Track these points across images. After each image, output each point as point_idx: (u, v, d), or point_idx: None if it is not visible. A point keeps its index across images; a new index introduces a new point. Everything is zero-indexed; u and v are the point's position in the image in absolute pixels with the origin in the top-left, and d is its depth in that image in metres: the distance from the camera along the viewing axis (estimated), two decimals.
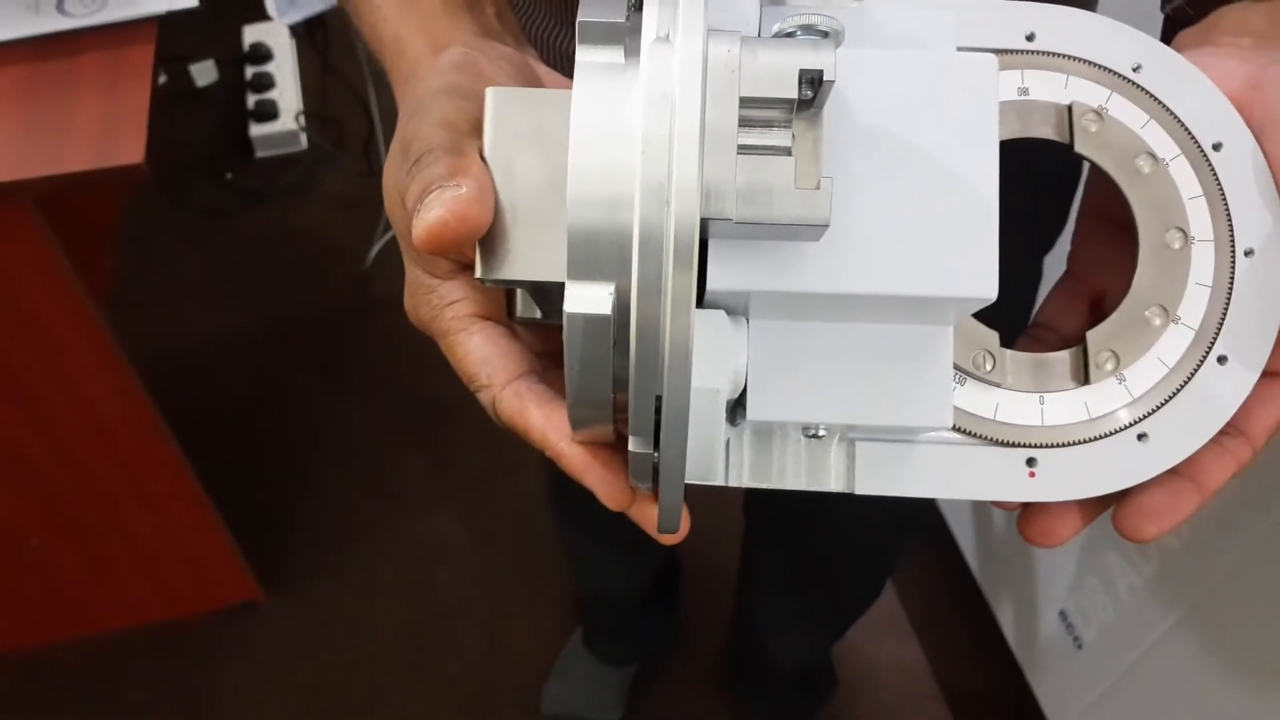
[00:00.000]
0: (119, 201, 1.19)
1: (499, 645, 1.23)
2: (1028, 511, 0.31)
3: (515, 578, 1.28)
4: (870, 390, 0.28)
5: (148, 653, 1.21)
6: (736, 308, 0.28)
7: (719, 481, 0.30)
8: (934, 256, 0.26)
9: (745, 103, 0.23)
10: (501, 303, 0.30)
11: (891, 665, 1.23)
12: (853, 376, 0.28)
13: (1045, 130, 0.31)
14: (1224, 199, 0.30)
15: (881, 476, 0.30)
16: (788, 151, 0.24)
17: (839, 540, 0.77)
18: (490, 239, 0.27)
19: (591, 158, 0.23)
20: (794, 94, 0.23)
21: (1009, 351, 0.31)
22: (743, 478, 0.30)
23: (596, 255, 0.23)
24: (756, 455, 0.30)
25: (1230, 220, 0.30)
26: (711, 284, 0.26)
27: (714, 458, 0.29)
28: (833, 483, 0.30)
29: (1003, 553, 1.14)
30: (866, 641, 1.24)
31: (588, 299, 0.23)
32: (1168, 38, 0.33)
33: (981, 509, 1.19)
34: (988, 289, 0.26)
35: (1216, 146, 0.30)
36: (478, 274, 0.27)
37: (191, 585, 1.21)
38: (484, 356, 0.29)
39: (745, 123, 0.24)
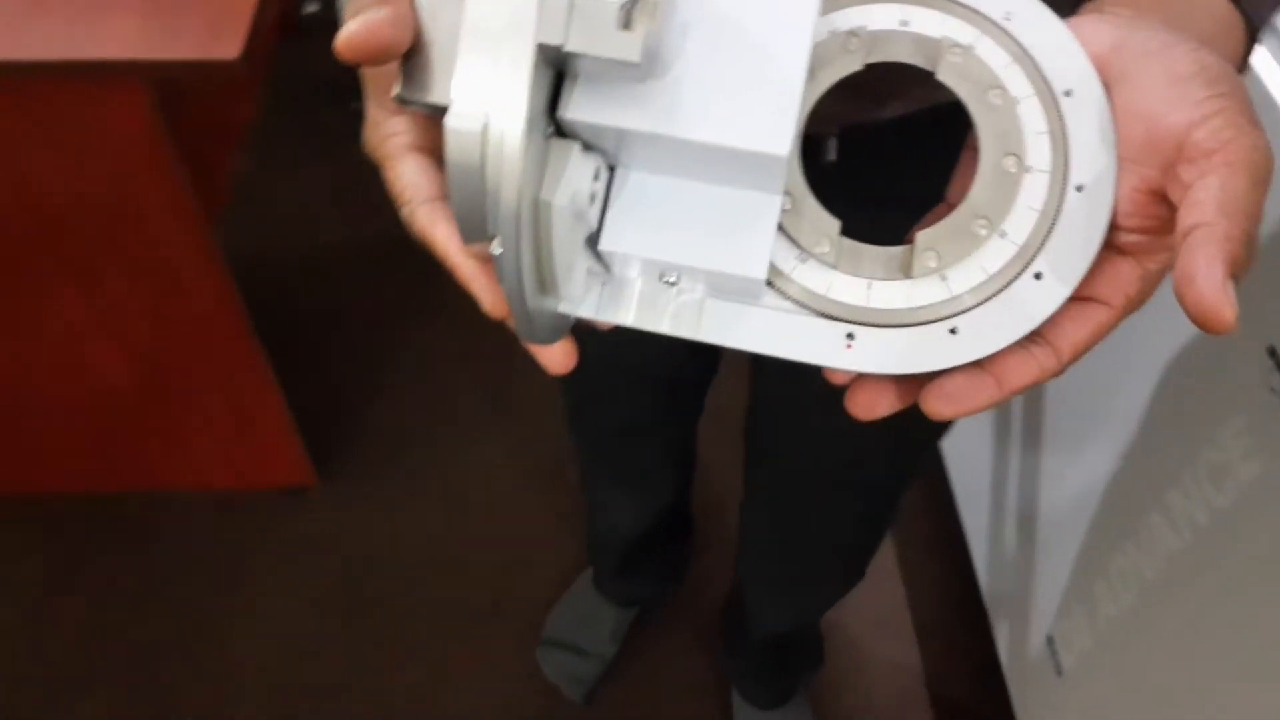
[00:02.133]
0: (250, 111, 1.29)
1: (515, 573, 1.30)
2: (853, 387, 0.35)
3: (543, 516, 1.35)
4: (704, 239, 0.33)
5: (203, 516, 1.33)
6: (607, 151, 0.33)
7: (572, 308, 0.35)
8: (741, 114, 0.31)
9: None
10: (438, 138, 0.34)
11: (885, 664, 1.25)
12: (692, 226, 0.33)
13: (915, 59, 0.35)
14: (1065, 139, 0.34)
15: (721, 327, 0.35)
16: (623, 3, 0.29)
17: (825, 489, 0.80)
18: (411, 68, 0.32)
19: None
20: None
21: (848, 240, 0.35)
22: (601, 310, 0.35)
23: (479, 80, 0.28)
24: (609, 297, 0.35)
25: (1068, 158, 0.33)
26: (563, 111, 0.31)
27: (570, 281, 0.34)
28: (677, 326, 0.35)
29: (1009, 572, 1.16)
30: (866, 636, 1.27)
31: (464, 115, 0.28)
32: (1075, 8, 0.37)
33: (998, 524, 1.20)
34: (778, 147, 0.31)
35: (1068, 93, 0.34)
36: (393, 93, 0.32)
37: (253, 462, 1.32)
38: (412, 180, 0.34)
39: None
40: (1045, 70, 0.34)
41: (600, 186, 0.33)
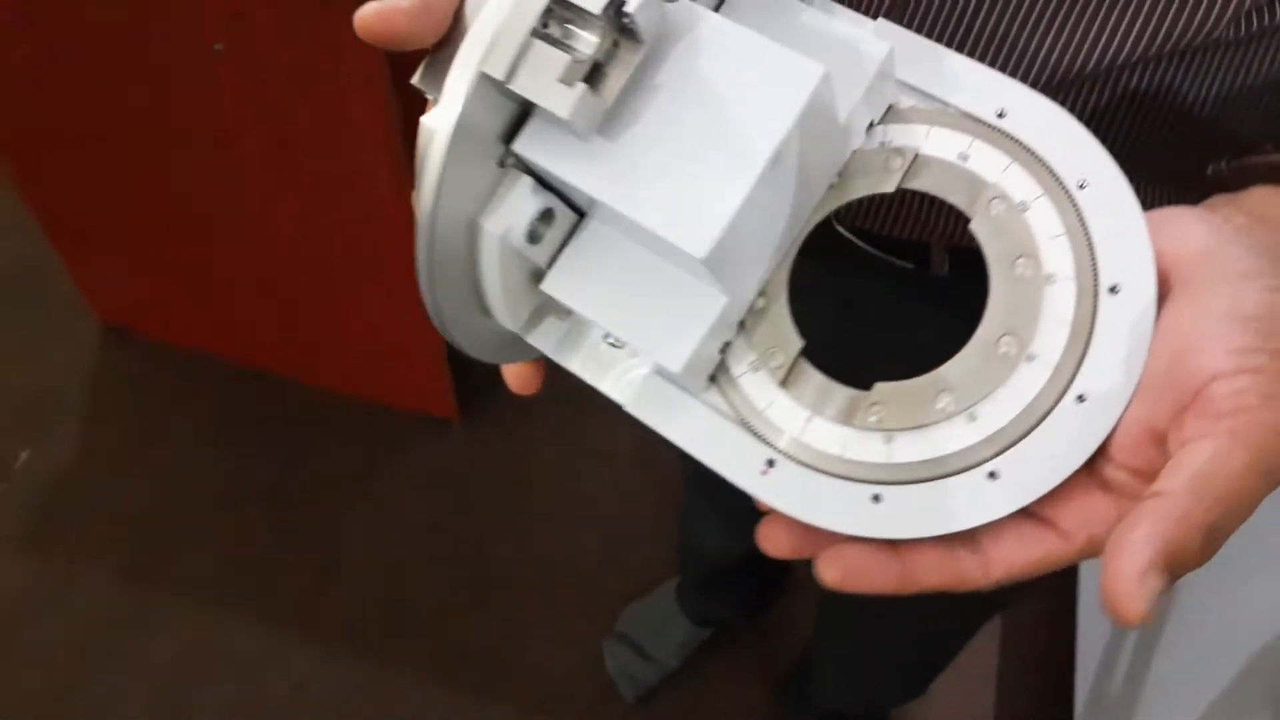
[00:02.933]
0: None
1: (618, 552, 1.32)
2: (768, 516, 0.32)
3: (659, 506, 1.36)
4: (638, 312, 0.32)
5: (351, 422, 1.41)
6: (572, 196, 0.32)
7: (533, 340, 0.35)
8: (676, 201, 0.29)
9: (560, 3, 0.28)
10: None
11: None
12: (634, 295, 0.32)
13: (955, 197, 0.32)
14: (1089, 336, 0.29)
15: (654, 408, 0.33)
16: (577, 55, 0.28)
17: (882, 609, 0.76)
18: (435, 58, 0.31)
19: (482, 4, 0.29)
20: (596, 8, 0.27)
21: (807, 364, 0.32)
22: (548, 347, 0.35)
23: (454, 85, 0.29)
24: (569, 339, 0.34)
25: (1082, 359, 0.29)
26: (514, 144, 0.30)
27: (515, 310, 0.34)
28: (614, 390, 0.34)
29: (1111, 707, 1.07)
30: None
31: (437, 114, 0.29)
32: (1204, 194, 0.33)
33: (1114, 651, 1.11)
34: (697, 248, 0.28)
35: (1113, 289, 0.29)
36: (413, 80, 0.32)
37: (404, 383, 1.40)
38: None
39: (560, 19, 0.28)
40: (1098, 254, 0.30)
41: (554, 230, 0.32)
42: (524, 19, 0.28)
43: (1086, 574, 1.21)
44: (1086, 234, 0.30)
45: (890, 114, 0.33)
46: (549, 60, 0.28)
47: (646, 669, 1.19)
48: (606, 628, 1.24)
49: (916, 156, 0.33)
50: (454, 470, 1.39)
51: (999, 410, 0.30)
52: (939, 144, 0.33)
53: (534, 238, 0.33)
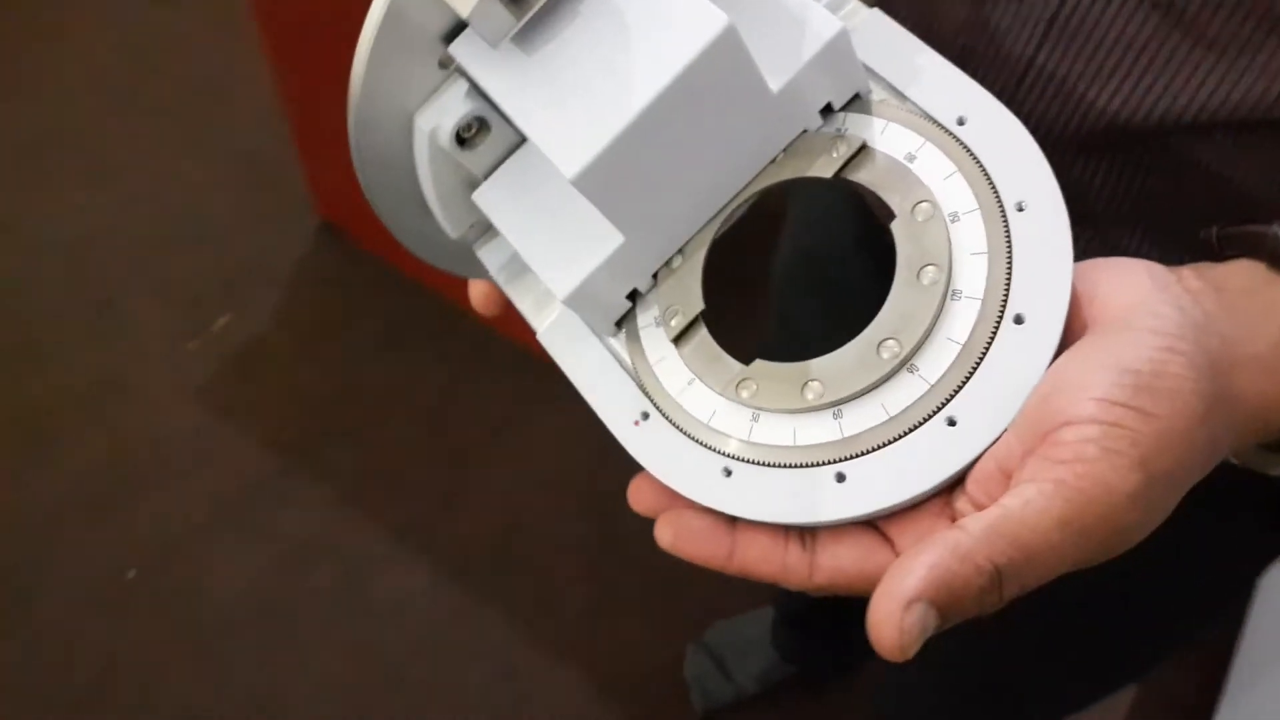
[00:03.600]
0: None
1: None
2: (639, 474, 0.32)
3: None
4: (545, 238, 0.33)
5: (507, 361, 1.42)
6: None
7: (482, 256, 0.37)
8: (566, 122, 0.29)
9: None
10: None
11: None
12: (546, 220, 0.33)
13: (881, 196, 0.32)
14: (974, 360, 0.29)
15: (556, 339, 0.35)
16: None
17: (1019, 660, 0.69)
18: None
19: None
20: None
21: (704, 331, 0.33)
22: (492, 265, 0.37)
23: None
24: (515, 262, 0.36)
25: (958, 388, 0.29)
26: (452, 46, 0.32)
27: (448, 217, 0.35)
28: (537, 320, 0.36)
29: None
30: None
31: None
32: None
33: None
34: (568, 168, 0.29)
35: (1018, 319, 0.29)
36: None
37: None
38: None
39: None
40: (1013, 279, 0.29)
41: (490, 143, 0.34)
42: None
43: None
44: (1008, 257, 0.29)
45: (855, 103, 0.33)
46: None
47: (723, 686, 1.16)
48: (698, 631, 1.22)
49: (863, 147, 0.32)
50: (593, 433, 1.39)
51: (865, 413, 0.29)
52: (890, 140, 0.32)
53: (464, 142, 0.34)
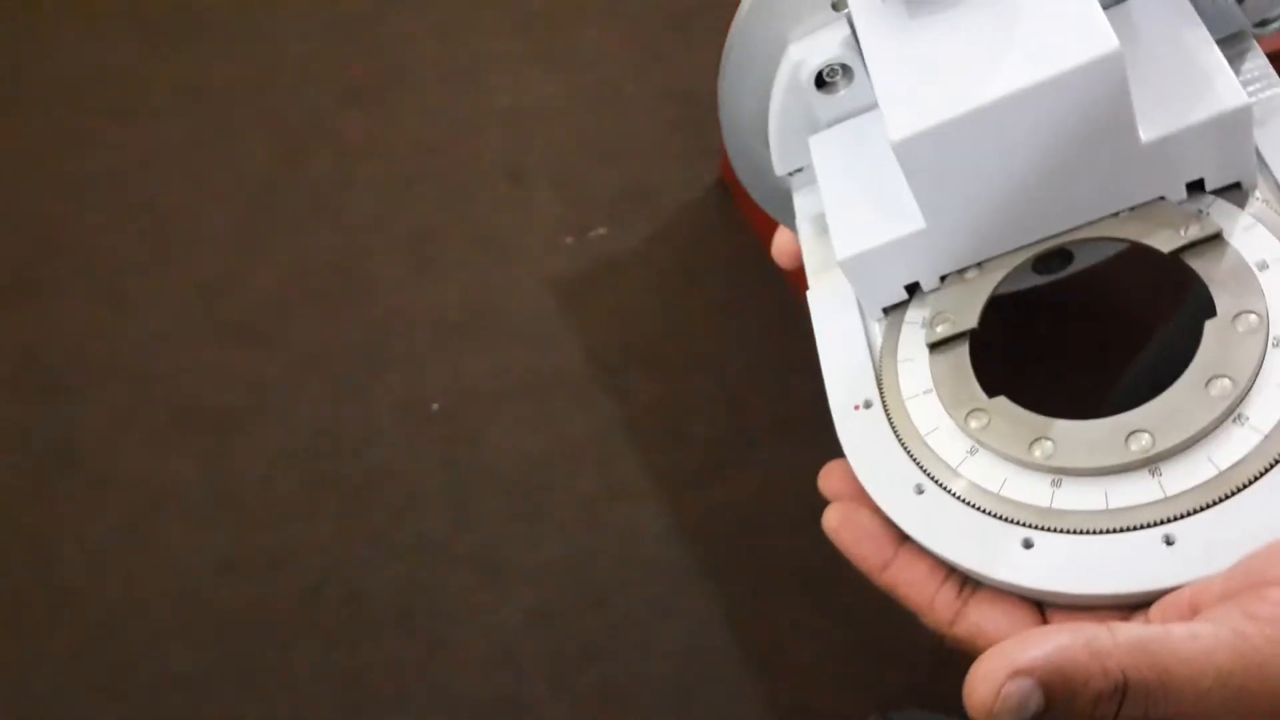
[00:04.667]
0: None
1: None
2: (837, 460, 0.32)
3: None
4: (851, 202, 0.34)
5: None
6: None
7: (775, 161, 0.37)
8: (912, 89, 0.29)
9: None
10: None
11: None
12: (862, 186, 0.33)
13: (1220, 292, 0.29)
14: None
15: (823, 297, 0.35)
16: None
17: None
18: None
19: None
20: None
21: (965, 350, 0.31)
22: (801, 210, 0.37)
23: None
24: (820, 216, 0.36)
25: None
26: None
27: (781, 151, 0.36)
28: (816, 276, 0.36)
29: None
30: None
31: None
32: None
33: None
34: (895, 130, 0.29)
35: None
36: None
37: None
38: None
39: None
40: None
41: (847, 94, 0.33)
42: None
43: None
44: None
45: (1231, 191, 0.30)
46: None
47: None
48: (890, 703, 1.17)
49: (1217, 236, 0.29)
50: None
51: (1189, 469, 0.27)
52: (1249, 240, 0.29)
53: (824, 85, 0.34)
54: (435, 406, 1.43)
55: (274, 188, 1.67)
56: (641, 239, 1.59)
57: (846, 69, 0.34)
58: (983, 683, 0.23)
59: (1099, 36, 0.27)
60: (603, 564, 1.30)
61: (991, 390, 0.31)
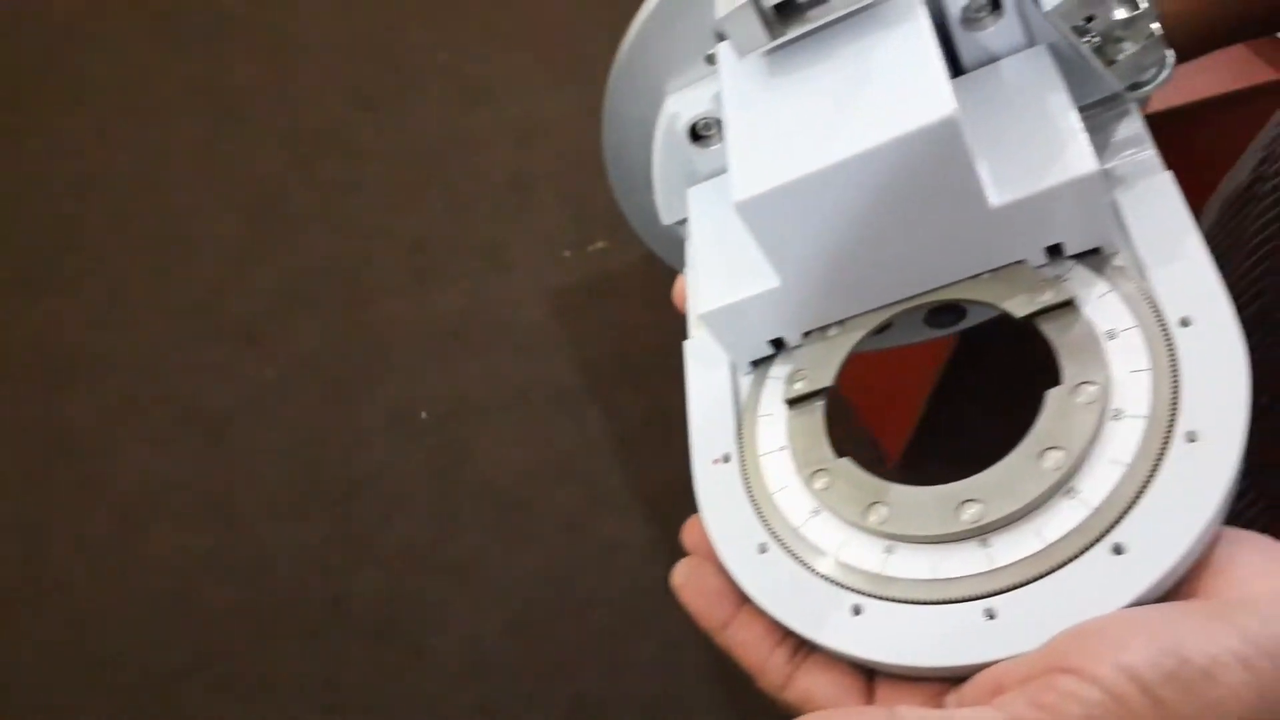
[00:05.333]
0: None
1: None
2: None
3: None
4: (716, 256, 0.35)
5: None
6: None
7: (660, 211, 0.37)
8: (760, 152, 0.29)
9: None
10: None
11: None
12: (728, 240, 0.33)
13: (1059, 347, 0.29)
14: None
15: (696, 354, 0.35)
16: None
17: None
18: None
19: None
20: None
21: (820, 407, 0.31)
22: (686, 259, 0.37)
23: None
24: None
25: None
26: (718, 47, 0.33)
27: (664, 201, 0.36)
28: (694, 329, 0.36)
29: None
30: None
31: None
32: None
33: None
34: (739, 191, 0.29)
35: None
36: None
37: None
38: None
39: None
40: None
41: (722, 148, 0.33)
42: None
43: None
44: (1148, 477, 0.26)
45: (1091, 255, 0.30)
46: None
47: None
48: None
49: (1069, 303, 0.29)
50: None
51: (1017, 541, 0.27)
52: (1101, 309, 0.29)
53: (700, 138, 0.34)
54: (424, 415, 1.44)
55: (282, 190, 1.69)
56: (639, 254, 1.59)
57: (720, 123, 0.34)
58: None
59: (936, 102, 0.27)
60: (582, 577, 1.30)
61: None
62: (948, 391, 1.52)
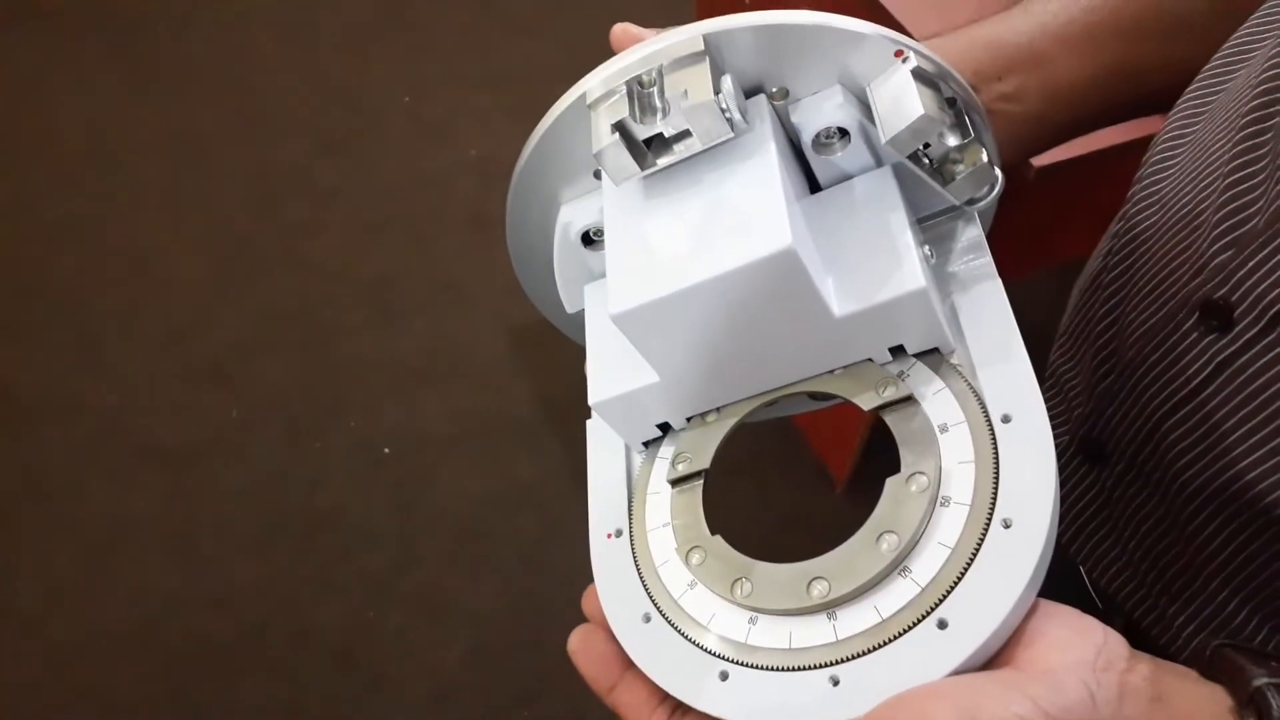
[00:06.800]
0: None
1: None
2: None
3: None
4: (607, 350, 0.37)
5: None
6: None
7: (564, 301, 0.39)
8: (631, 270, 0.32)
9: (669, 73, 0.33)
10: None
11: None
12: (618, 337, 0.35)
13: (905, 451, 0.32)
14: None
15: (596, 435, 0.37)
16: (639, 118, 0.32)
17: None
18: None
19: None
20: (670, 105, 0.32)
21: (699, 487, 0.34)
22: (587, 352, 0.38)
23: None
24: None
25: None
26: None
27: (566, 294, 0.39)
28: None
29: None
30: None
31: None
32: None
33: None
34: (614, 305, 0.32)
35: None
36: None
37: None
38: None
39: (660, 93, 0.33)
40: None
41: (603, 253, 0.36)
42: (630, 71, 0.33)
43: None
44: (973, 552, 0.29)
45: (931, 354, 0.33)
46: (619, 108, 0.32)
47: None
48: None
49: (909, 399, 0.32)
50: None
51: (859, 616, 0.30)
52: (936, 405, 0.32)
53: (592, 243, 0.37)
54: (386, 450, 1.48)
55: (247, 233, 1.73)
56: None
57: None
58: None
59: (776, 235, 0.30)
60: (540, 604, 1.34)
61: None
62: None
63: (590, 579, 0.35)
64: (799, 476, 1.42)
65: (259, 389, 1.54)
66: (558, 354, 1.57)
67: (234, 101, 1.93)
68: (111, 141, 1.86)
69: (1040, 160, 0.99)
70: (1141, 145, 0.48)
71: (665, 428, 0.36)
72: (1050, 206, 1.01)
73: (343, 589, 1.36)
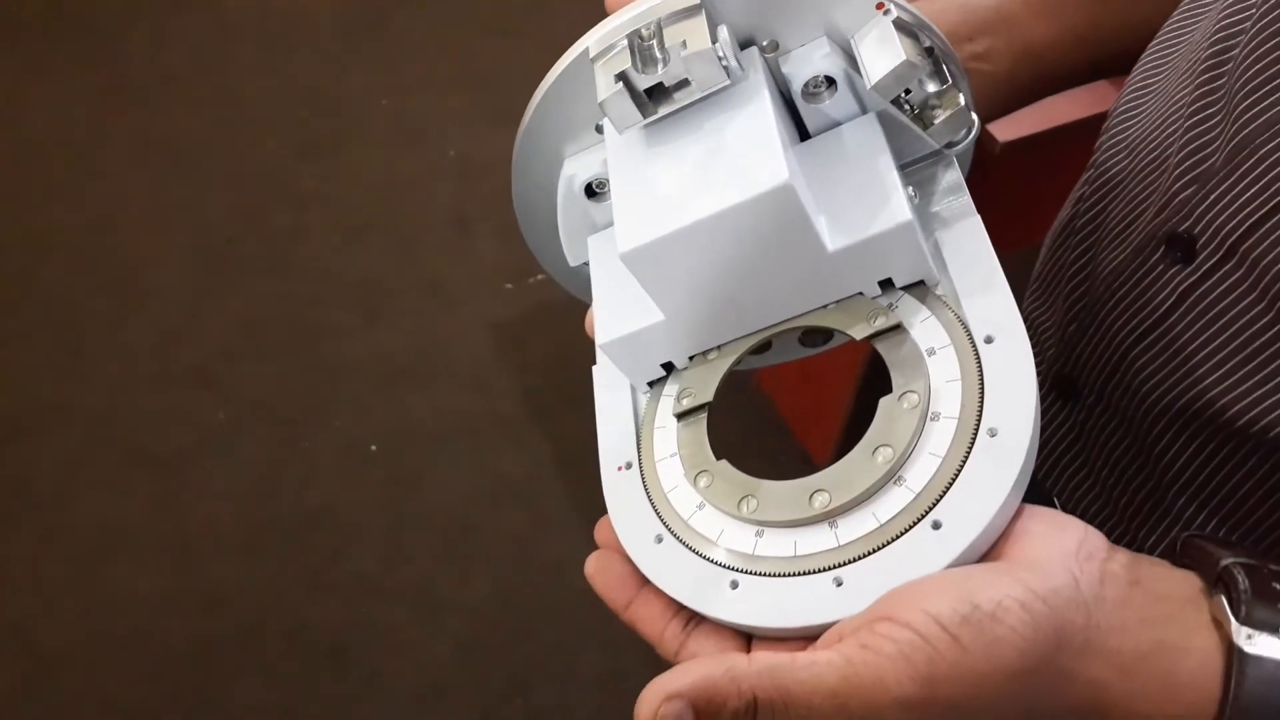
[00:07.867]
0: None
1: None
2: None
3: None
4: (615, 294, 0.38)
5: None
6: None
7: (566, 253, 0.42)
8: (638, 211, 0.34)
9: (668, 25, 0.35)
10: None
11: None
12: (624, 279, 0.37)
13: (897, 373, 0.34)
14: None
15: (604, 373, 0.39)
16: (640, 68, 0.34)
17: None
18: None
19: None
20: (669, 53, 0.34)
21: (704, 419, 0.36)
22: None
23: None
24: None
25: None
26: (604, 120, 0.37)
27: (569, 246, 0.41)
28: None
29: None
30: None
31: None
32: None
33: None
34: (622, 244, 0.34)
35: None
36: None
37: None
38: None
39: (661, 43, 0.34)
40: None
41: (609, 205, 0.37)
42: (630, 25, 0.35)
43: None
44: (963, 461, 0.31)
45: (917, 286, 0.36)
46: (621, 60, 0.34)
47: None
48: None
49: (898, 327, 0.35)
50: None
51: (858, 522, 0.32)
52: (923, 331, 0.35)
53: (594, 195, 0.39)
54: (374, 448, 1.49)
55: (230, 238, 1.74)
56: None
57: (605, 183, 0.39)
58: (644, 705, 0.28)
59: (773, 171, 0.32)
60: (529, 596, 1.35)
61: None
62: (867, 406, 1.58)
63: (583, 562, 0.37)
64: (784, 466, 1.44)
65: (245, 391, 1.55)
66: (541, 349, 1.59)
67: (213, 108, 1.94)
68: (91, 151, 1.87)
69: (1006, 135, 1.02)
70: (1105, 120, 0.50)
71: (669, 368, 0.38)
72: (1017, 183, 1.04)
73: (334, 587, 1.37)
